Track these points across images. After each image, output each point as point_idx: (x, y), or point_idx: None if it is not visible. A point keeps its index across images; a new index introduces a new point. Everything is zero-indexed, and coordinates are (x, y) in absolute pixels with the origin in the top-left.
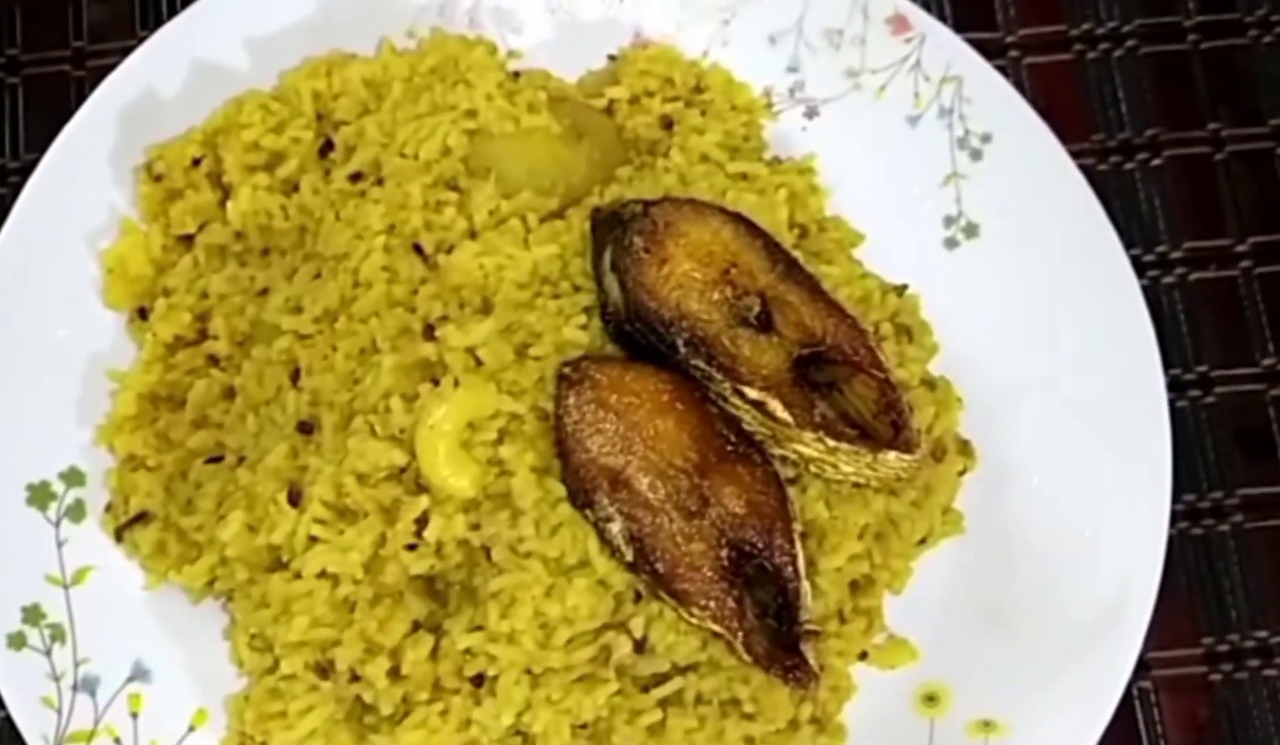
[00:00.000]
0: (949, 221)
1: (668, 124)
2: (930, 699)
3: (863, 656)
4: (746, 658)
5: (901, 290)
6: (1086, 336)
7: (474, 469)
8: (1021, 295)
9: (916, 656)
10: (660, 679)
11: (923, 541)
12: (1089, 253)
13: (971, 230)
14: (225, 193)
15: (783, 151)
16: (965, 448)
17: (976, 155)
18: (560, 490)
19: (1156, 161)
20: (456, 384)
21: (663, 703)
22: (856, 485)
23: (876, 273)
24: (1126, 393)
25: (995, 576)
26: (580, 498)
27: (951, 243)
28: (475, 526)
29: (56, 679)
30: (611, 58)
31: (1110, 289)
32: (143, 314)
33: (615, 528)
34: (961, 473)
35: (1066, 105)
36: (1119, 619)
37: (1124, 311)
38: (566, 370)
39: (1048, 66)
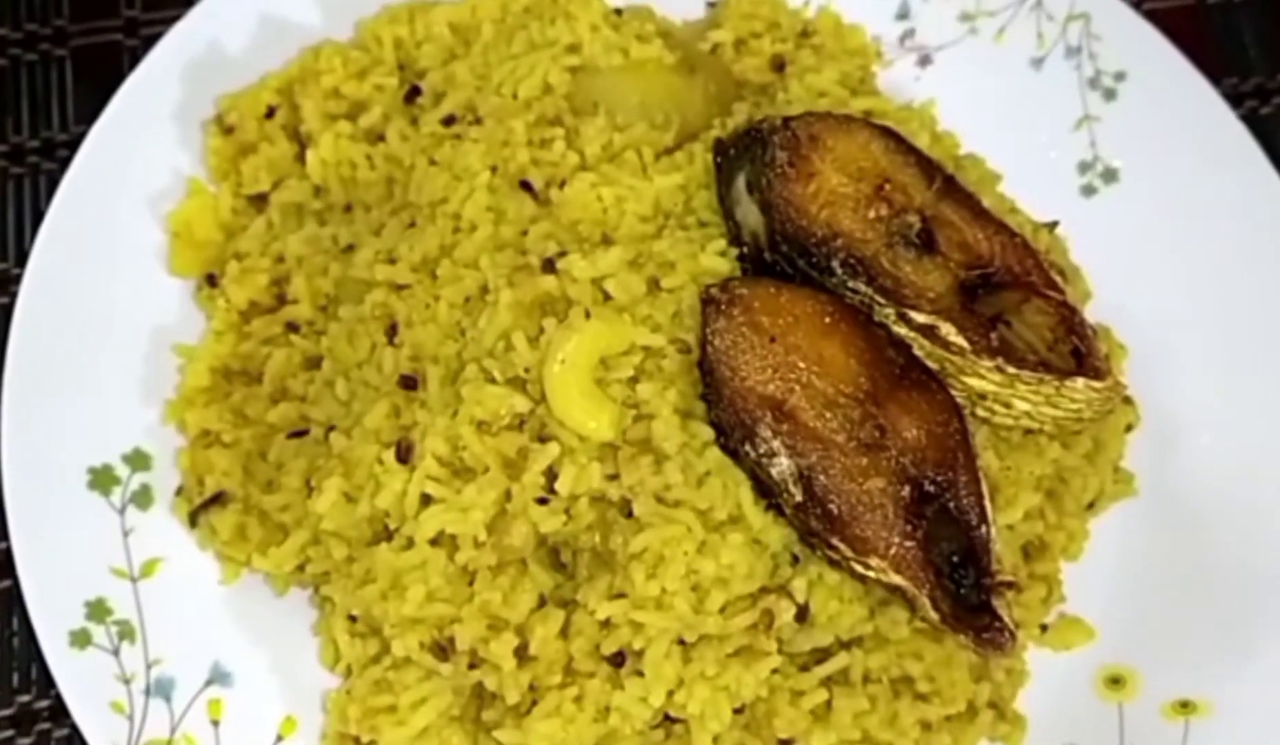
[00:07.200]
0: (1084, 167)
1: (779, 66)
2: (1115, 682)
3: (1042, 630)
4: (933, 615)
5: (1053, 227)
6: (1252, 284)
7: (611, 409)
8: (1173, 242)
9: (1093, 636)
10: (821, 657)
11: (1091, 506)
12: (1247, 194)
13: (1110, 175)
14: (302, 146)
15: (897, 101)
16: (1128, 403)
17: (1110, 95)
18: (706, 434)
19: None
20: (587, 316)
21: (827, 682)
22: (1028, 431)
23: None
24: None
25: (1174, 545)
26: (738, 433)
27: (1089, 190)
28: (612, 477)
29: (127, 682)
30: (710, 4)
31: (1276, 232)
32: (211, 281)
33: (781, 464)
34: (1128, 429)
35: (1192, 51)
36: None
37: None
38: (713, 291)
39: (1168, 12)
